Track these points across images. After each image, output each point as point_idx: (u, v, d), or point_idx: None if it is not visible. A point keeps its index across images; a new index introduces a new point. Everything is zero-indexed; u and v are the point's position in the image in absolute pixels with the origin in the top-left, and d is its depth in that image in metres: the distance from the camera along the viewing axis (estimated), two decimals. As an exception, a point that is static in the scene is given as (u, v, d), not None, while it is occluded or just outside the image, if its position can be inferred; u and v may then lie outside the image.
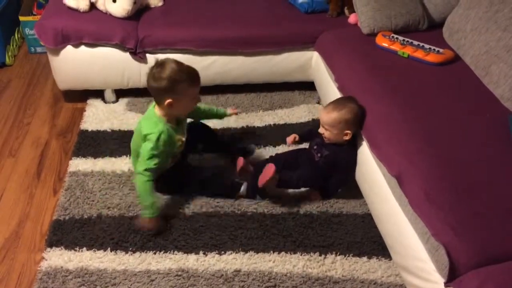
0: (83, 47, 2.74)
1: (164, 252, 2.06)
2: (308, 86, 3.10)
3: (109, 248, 2.07)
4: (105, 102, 2.98)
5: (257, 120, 2.87)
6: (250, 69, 2.92)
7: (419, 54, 2.48)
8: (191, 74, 2.06)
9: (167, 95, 2.02)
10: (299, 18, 2.94)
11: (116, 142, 2.66)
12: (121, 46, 2.74)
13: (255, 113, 2.93)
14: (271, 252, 2.07)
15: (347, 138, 2.16)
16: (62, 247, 2.07)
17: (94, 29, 2.70)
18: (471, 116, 2.08)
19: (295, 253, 2.07)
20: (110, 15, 2.78)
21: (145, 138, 2.08)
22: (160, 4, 3.00)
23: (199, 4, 3.03)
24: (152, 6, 2.99)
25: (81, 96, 3.02)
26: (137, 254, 2.05)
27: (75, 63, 2.78)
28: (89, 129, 2.75)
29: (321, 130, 2.21)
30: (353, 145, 2.23)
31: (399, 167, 1.82)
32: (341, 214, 2.25)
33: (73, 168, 2.48)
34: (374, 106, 2.16)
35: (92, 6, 2.78)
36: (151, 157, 2.05)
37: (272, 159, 2.49)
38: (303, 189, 2.34)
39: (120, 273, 1.97)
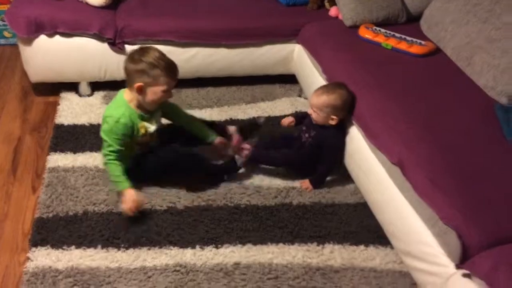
0: (57, 37, 2.60)
1: (159, 248, 1.98)
2: (288, 80, 3.10)
3: (99, 246, 1.97)
4: (80, 95, 2.84)
5: (241, 113, 2.83)
6: (232, 62, 2.88)
7: (402, 46, 2.52)
8: (170, 65, 2.04)
9: (139, 78, 1.98)
10: (281, 11, 2.93)
11: (96, 136, 2.52)
12: (99, 36, 2.62)
13: (238, 106, 2.89)
14: (269, 243, 2.04)
15: (333, 122, 2.18)
16: (48, 246, 1.95)
17: (70, 18, 2.57)
18: (458, 104, 2.13)
19: (292, 244, 2.05)
20: (87, 3, 2.65)
21: (104, 120, 2.04)
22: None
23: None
24: (129, -5, 2.88)
25: (53, 89, 2.88)
26: (130, 250, 1.97)
27: (49, 54, 2.63)
28: (65, 123, 2.62)
29: (309, 110, 2.24)
30: (341, 129, 2.24)
31: (400, 155, 1.83)
32: (333, 204, 2.26)
33: (52, 164, 2.35)
34: (366, 95, 2.17)
35: (67, -6, 2.65)
36: (108, 140, 2.03)
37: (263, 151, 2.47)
38: (296, 182, 2.33)
39: (114, 271, 1.88)
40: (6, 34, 3.29)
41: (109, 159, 2.04)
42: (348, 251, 2.04)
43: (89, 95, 2.85)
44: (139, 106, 2.07)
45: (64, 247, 1.95)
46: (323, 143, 2.24)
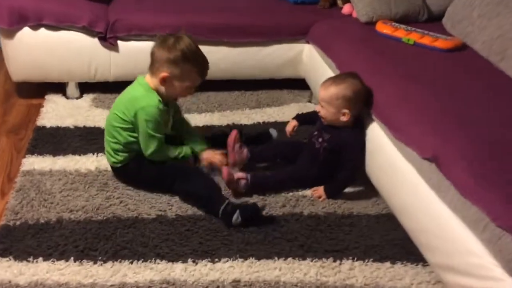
0: (42, 30, 2.36)
1: (143, 261, 1.65)
2: (297, 85, 2.82)
3: (72, 258, 1.64)
4: (67, 98, 2.57)
5: (244, 118, 2.54)
6: (235, 62, 2.62)
7: (426, 40, 2.25)
8: (204, 62, 1.88)
9: (167, 68, 1.80)
10: (289, 8, 2.70)
11: (81, 139, 2.26)
12: (89, 30, 2.37)
13: (241, 111, 2.61)
14: (276, 258, 1.70)
15: (345, 119, 1.88)
16: (10, 257, 1.63)
17: (57, 8, 2.34)
18: (494, 97, 1.84)
19: (304, 259, 1.71)
20: (77, -5, 2.42)
21: (142, 109, 1.80)
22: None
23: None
24: (125, -8, 2.65)
25: (38, 91, 2.61)
26: (109, 264, 1.63)
27: (33, 49, 2.38)
28: (47, 125, 2.34)
29: (317, 107, 1.95)
30: (359, 128, 1.94)
31: (434, 148, 1.52)
32: (351, 215, 1.93)
33: (27, 167, 2.05)
34: (388, 87, 1.89)
35: (55, -15, 2.42)
36: (152, 136, 1.84)
37: (265, 149, 2.17)
38: (307, 191, 2.02)
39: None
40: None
41: (158, 149, 1.87)
42: (371, 269, 1.69)
43: (77, 98, 2.58)
44: (161, 95, 1.86)
45: (29, 259, 1.62)
46: (341, 146, 1.93)
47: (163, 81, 1.81)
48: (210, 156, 1.98)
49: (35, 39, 2.36)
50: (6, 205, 1.85)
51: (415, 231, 1.64)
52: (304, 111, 2.54)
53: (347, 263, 1.71)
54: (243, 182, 1.93)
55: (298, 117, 2.17)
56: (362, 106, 1.90)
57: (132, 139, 1.87)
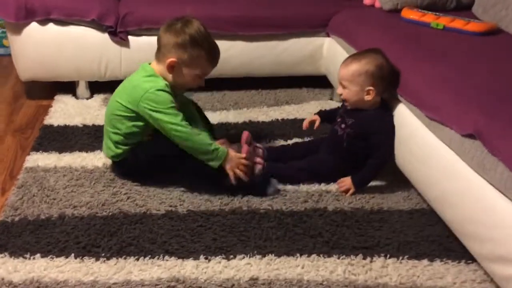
0: (51, 25, 2.26)
1: (150, 258, 1.49)
2: (317, 83, 2.67)
3: (72, 254, 1.49)
4: (77, 98, 2.46)
5: (261, 115, 2.39)
6: (252, 58, 2.48)
7: (457, 24, 2.08)
8: (214, 48, 1.75)
9: (175, 53, 1.68)
10: (308, 1, 2.56)
11: (89, 137, 2.13)
12: (98, 24, 2.27)
13: (259, 108, 2.46)
14: (298, 255, 1.52)
15: (369, 98, 1.72)
16: (6, 253, 1.48)
17: (66, 3, 2.25)
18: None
19: (329, 256, 1.52)
20: (86, -10, 2.33)
21: (143, 92, 1.65)
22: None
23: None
24: (137, -11, 2.56)
25: (48, 93, 2.52)
26: (112, 260, 1.47)
27: (41, 46, 2.29)
28: (55, 124, 2.22)
29: (339, 89, 1.79)
30: (386, 110, 1.77)
31: (476, 124, 1.34)
32: (381, 211, 1.74)
33: (31, 163, 1.92)
34: (419, 68, 1.72)
35: (65, -20, 2.34)
36: (171, 111, 1.65)
37: (284, 149, 2.01)
38: (332, 185, 1.84)
39: (88, 286, 1.38)
40: (5, 42, 3.01)
41: (186, 131, 1.65)
42: (407, 267, 1.49)
43: (87, 98, 2.47)
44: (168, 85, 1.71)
45: (25, 256, 1.47)
46: (366, 131, 1.76)
47: (171, 67, 1.67)
48: (235, 164, 1.70)
49: (43, 35, 2.27)
50: (6, 201, 1.72)
51: (457, 222, 1.44)
52: (326, 108, 2.41)
53: (379, 261, 1.51)
54: (259, 167, 1.77)
55: (320, 113, 2.01)
56: (388, 86, 1.73)
57: (135, 129, 1.72)
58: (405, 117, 1.72)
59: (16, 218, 1.63)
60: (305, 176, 1.82)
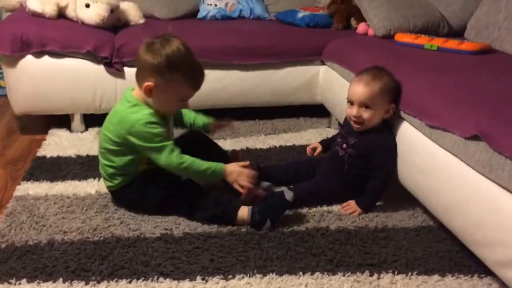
0: (46, 57, 2.26)
1: (143, 280, 1.40)
2: (314, 113, 2.66)
3: (60, 279, 1.39)
4: (71, 131, 2.43)
5: (259, 143, 2.35)
6: (248, 87, 2.47)
7: (451, 44, 2.10)
8: (195, 69, 1.61)
9: (151, 76, 1.55)
10: (301, 31, 2.61)
11: (82, 167, 2.07)
12: (94, 56, 2.27)
13: (256, 137, 2.43)
14: (300, 273, 1.43)
15: (388, 116, 1.69)
16: (-11, 280, 1.39)
17: (62, 35, 2.25)
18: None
19: (334, 274, 1.43)
20: (82, 23, 2.36)
21: (130, 127, 1.58)
22: (142, 21, 2.63)
23: (188, 24, 2.68)
24: (132, 23, 2.60)
25: (42, 128, 2.48)
26: (103, 284, 1.38)
27: (36, 78, 2.28)
28: (48, 156, 2.17)
29: (355, 112, 1.69)
30: (387, 130, 1.73)
31: (479, 125, 1.30)
32: (386, 229, 1.66)
33: (21, 192, 1.86)
34: (416, 80, 1.71)
35: (61, 14, 2.37)
36: (160, 144, 1.58)
37: (276, 168, 1.95)
38: (333, 207, 1.77)
39: (76, 309, 1.29)
40: (1, 83, 3.01)
41: (179, 159, 1.59)
42: (417, 282, 1.41)
43: (82, 132, 2.44)
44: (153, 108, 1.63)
45: (11, 281, 1.38)
46: (369, 151, 1.71)
47: (148, 91, 1.56)
48: (236, 175, 1.64)
49: (39, 67, 2.26)
50: (-7, 229, 1.64)
51: (467, 230, 1.37)
52: (324, 135, 2.38)
53: (386, 277, 1.43)
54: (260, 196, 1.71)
55: (322, 142, 1.99)
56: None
57: (130, 161, 1.65)
58: (405, 131, 1.68)
59: (3, 245, 1.54)
60: (305, 198, 1.75)
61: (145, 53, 1.56)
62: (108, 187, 1.75)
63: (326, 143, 1.98)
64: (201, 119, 1.89)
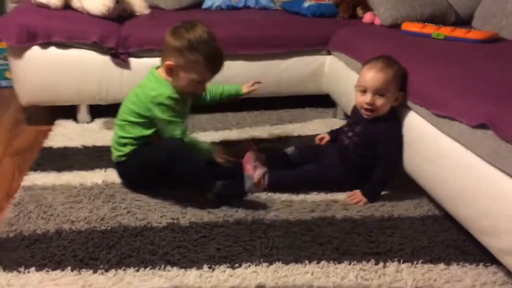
0: (52, 48, 2.27)
1: (150, 269, 1.41)
2: (320, 103, 2.65)
3: (69, 268, 1.41)
4: (78, 122, 2.44)
5: (265, 133, 2.35)
6: (253, 77, 2.42)
7: (458, 33, 2.08)
8: (214, 54, 1.70)
9: (174, 56, 1.67)
10: (307, 20, 2.60)
11: (89, 157, 2.09)
12: (100, 47, 2.28)
13: (262, 127, 2.43)
14: (306, 262, 1.44)
15: (397, 102, 1.70)
16: (-1, 268, 1.41)
17: (67, 26, 2.25)
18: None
19: (340, 262, 1.44)
20: (88, 14, 2.36)
21: (153, 98, 1.68)
22: (147, 12, 2.62)
23: (193, 14, 2.67)
24: (138, 14, 2.60)
25: (49, 118, 2.49)
26: (111, 272, 1.39)
27: (43, 69, 2.28)
28: (54, 146, 2.18)
29: (369, 99, 1.67)
30: (393, 119, 1.73)
31: (487, 113, 1.30)
32: (392, 218, 1.67)
33: (28, 182, 1.87)
34: (423, 69, 1.70)
35: (66, 5, 2.37)
36: (171, 122, 1.69)
37: (284, 155, 1.95)
38: (339, 195, 1.77)
39: (84, 297, 1.30)
40: (7, 74, 3.02)
41: (182, 134, 1.71)
42: (422, 271, 1.41)
43: (88, 123, 2.45)
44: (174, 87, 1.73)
45: (20, 269, 1.40)
46: (374, 139, 1.71)
47: (169, 70, 1.68)
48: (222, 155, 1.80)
49: (45, 58, 2.27)
50: (1, 218, 1.65)
51: (473, 219, 1.37)
52: (330, 127, 2.37)
53: (392, 266, 1.43)
54: (259, 171, 1.74)
55: (331, 133, 2.01)
56: None
57: (147, 133, 1.74)
58: (412, 120, 1.68)
59: (11, 234, 1.56)
60: (312, 180, 1.75)
61: (170, 35, 1.68)
62: (117, 157, 1.80)
63: (334, 134, 1.99)
64: (230, 89, 2.02)
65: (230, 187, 1.73)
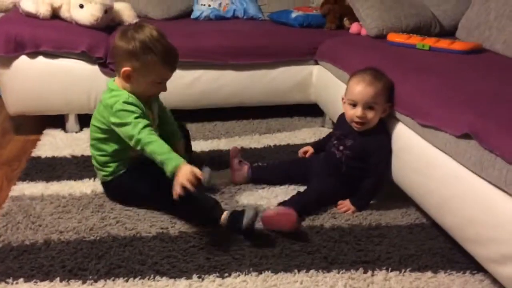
0: (40, 58, 2.26)
1: (140, 279, 1.41)
2: (308, 112, 2.68)
3: (58, 278, 1.41)
4: (66, 132, 2.43)
5: (254, 142, 2.37)
6: (242, 87, 2.49)
7: (443, 44, 2.12)
8: (169, 51, 1.65)
9: (128, 61, 1.61)
10: (295, 31, 2.62)
11: (77, 167, 2.08)
12: (88, 56, 2.28)
13: (250, 136, 2.44)
14: (296, 271, 1.45)
15: (385, 114, 1.72)
16: (-14, 280, 1.40)
17: (56, 35, 2.25)
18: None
19: (329, 271, 1.46)
20: (76, 24, 2.36)
21: (111, 109, 1.61)
22: (135, 22, 2.62)
23: (181, 24, 2.69)
24: (126, 23, 2.59)
25: (37, 128, 2.48)
26: (100, 283, 1.39)
27: (31, 79, 2.27)
28: (43, 156, 2.17)
29: (359, 112, 1.68)
30: (383, 130, 1.75)
31: (470, 123, 1.33)
32: (380, 226, 1.69)
33: (16, 193, 1.86)
34: (408, 80, 1.73)
35: (54, 15, 2.37)
36: (135, 118, 1.57)
37: (269, 169, 1.98)
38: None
39: (73, 308, 1.30)
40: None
41: (146, 136, 1.53)
42: (410, 279, 1.43)
43: (76, 132, 2.44)
44: (133, 95, 1.67)
45: (8, 281, 1.39)
46: (366, 151, 1.73)
47: (127, 77, 1.62)
48: (182, 178, 1.45)
49: (33, 67, 2.26)
50: (-11, 230, 1.64)
51: (459, 227, 1.39)
52: (318, 136, 2.40)
53: (380, 274, 1.45)
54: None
55: (314, 145, 2.04)
56: None
57: (120, 147, 1.69)
58: (399, 130, 1.71)
59: (0, 245, 1.55)
60: (311, 207, 1.75)
61: (120, 40, 1.62)
62: (103, 177, 1.78)
63: (317, 145, 2.03)
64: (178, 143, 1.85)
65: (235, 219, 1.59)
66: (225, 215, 1.62)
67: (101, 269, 1.44)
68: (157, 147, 1.53)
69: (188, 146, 2.01)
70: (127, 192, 1.74)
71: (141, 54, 1.59)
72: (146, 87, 1.66)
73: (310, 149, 2.03)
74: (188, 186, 1.43)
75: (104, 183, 1.80)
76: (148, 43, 1.59)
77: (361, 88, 1.68)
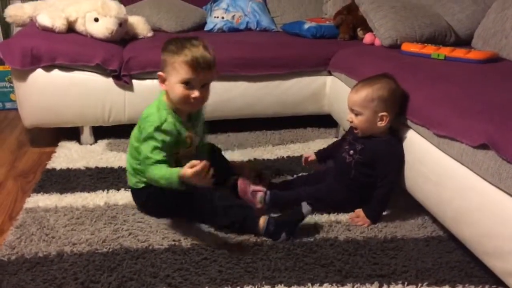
0: (56, 71, 2.29)
1: (152, 292, 1.40)
2: (322, 123, 2.66)
3: (70, 291, 1.40)
4: (81, 144, 2.45)
5: (267, 153, 2.36)
6: (255, 98, 2.48)
7: (458, 54, 2.09)
8: (195, 53, 1.57)
9: (163, 68, 1.64)
10: (308, 41, 2.62)
11: (91, 179, 2.09)
12: (102, 69, 2.30)
13: (264, 147, 2.43)
14: (309, 284, 1.42)
15: (383, 124, 1.69)
16: (0, 291, 1.40)
17: (71, 49, 2.28)
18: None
19: (343, 285, 1.43)
20: (91, 37, 2.39)
21: (140, 126, 1.66)
22: (150, 34, 2.66)
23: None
24: (141, 36, 2.63)
25: (52, 140, 2.50)
26: (112, 295, 1.39)
27: (46, 92, 2.30)
28: (57, 168, 2.19)
29: (349, 117, 1.75)
30: (395, 138, 1.73)
31: (488, 133, 1.29)
32: (395, 239, 1.65)
33: (31, 204, 1.87)
34: (423, 89, 1.71)
35: (70, 29, 2.40)
36: (153, 149, 1.59)
37: (288, 184, 1.96)
38: (341, 216, 1.77)
39: (85, 321, 1.29)
40: (12, 96, 3.05)
41: (153, 162, 1.58)
42: (427, 293, 1.40)
43: (91, 144, 2.46)
44: (177, 109, 1.67)
45: (20, 293, 1.39)
46: (376, 158, 1.71)
47: (162, 83, 1.65)
48: (188, 174, 1.47)
49: (48, 80, 2.29)
50: (3, 241, 1.65)
51: (477, 240, 1.35)
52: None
53: (396, 288, 1.41)
54: (259, 194, 1.73)
55: (317, 153, 2.01)
56: (399, 111, 1.70)
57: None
58: (413, 141, 1.68)
59: (13, 257, 1.55)
60: (312, 202, 1.74)
61: (162, 49, 1.65)
62: (134, 183, 1.78)
63: (323, 154, 2.01)
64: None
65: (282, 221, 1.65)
66: (262, 220, 1.63)
67: (113, 281, 1.44)
68: (157, 171, 1.57)
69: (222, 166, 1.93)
70: (158, 203, 1.73)
71: (169, 57, 1.60)
72: (176, 92, 1.60)
73: (312, 155, 2.00)
74: (196, 176, 1.45)
75: (133, 189, 1.80)
76: (178, 48, 1.58)
77: (349, 94, 1.74)
